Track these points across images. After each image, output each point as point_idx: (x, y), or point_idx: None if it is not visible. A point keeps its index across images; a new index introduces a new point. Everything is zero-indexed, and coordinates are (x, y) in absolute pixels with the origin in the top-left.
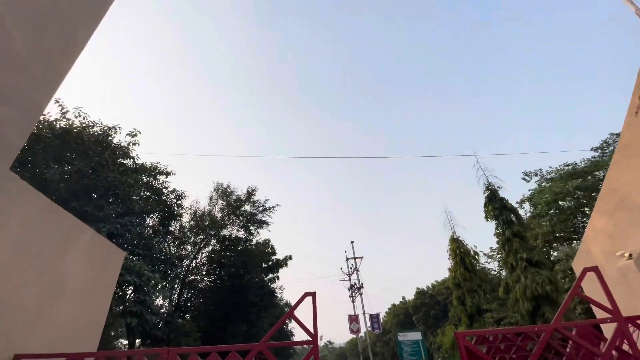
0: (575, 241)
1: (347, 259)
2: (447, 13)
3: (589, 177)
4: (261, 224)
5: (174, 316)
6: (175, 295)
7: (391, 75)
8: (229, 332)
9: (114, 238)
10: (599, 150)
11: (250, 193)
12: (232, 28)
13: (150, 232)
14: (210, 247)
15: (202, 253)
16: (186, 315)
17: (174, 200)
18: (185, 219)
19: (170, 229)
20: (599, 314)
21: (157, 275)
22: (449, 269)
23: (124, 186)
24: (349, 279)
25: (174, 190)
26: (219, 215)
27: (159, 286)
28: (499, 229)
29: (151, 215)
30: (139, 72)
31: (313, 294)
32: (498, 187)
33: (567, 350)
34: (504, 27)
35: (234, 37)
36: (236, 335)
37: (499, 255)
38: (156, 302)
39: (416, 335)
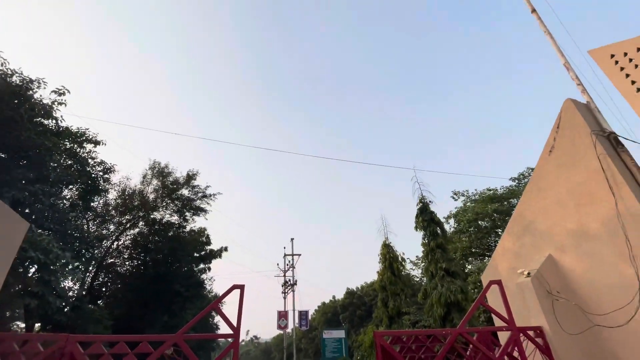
0: (486, 257)
1: (285, 255)
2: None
3: (505, 203)
4: (198, 210)
5: (84, 301)
6: (89, 279)
7: (354, 76)
8: (147, 322)
9: (20, 207)
10: (516, 181)
11: (190, 177)
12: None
13: (67, 205)
14: (137, 230)
15: (127, 235)
16: (99, 301)
17: (101, 173)
18: (112, 195)
19: (92, 204)
20: (498, 323)
21: (68, 254)
22: (378, 272)
23: (40, 149)
24: (284, 275)
25: (102, 162)
26: (152, 196)
27: (70, 267)
28: (426, 239)
29: (70, 186)
30: (79, 30)
31: (241, 287)
32: (430, 201)
33: (468, 353)
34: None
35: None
36: (154, 326)
37: (423, 264)
38: (64, 283)
39: (340, 334)
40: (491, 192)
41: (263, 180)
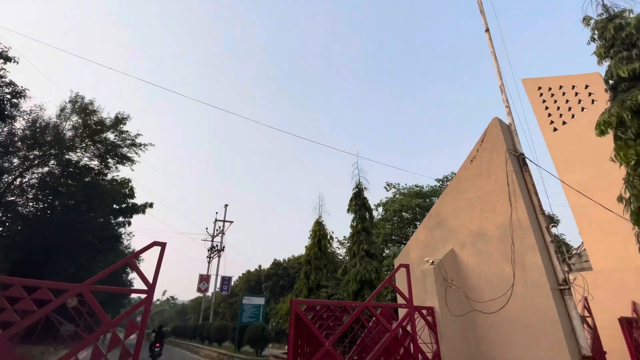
0: (403, 244)
1: (216, 220)
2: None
3: (428, 200)
4: (124, 159)
5: None
6: None
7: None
8: (49, 271)
9: None
10: (440, 182)
11: (119, 120)
12: None
13: None
14: (47, 169)
15: (34, 173)
16: None
17: (8, 96)
18: (19, 124)
19: None
20: (401, 302)
21: None
22: (306, 246)
23: None
24: (212, 240)
25: (12, 83)
26: (69, 134)
27: None
28: (354, 222)
29: None
30: None
31: (163, 244)
32: (365, 188)
33: (370, 324)
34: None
35: None
36: (57, 276)
37: (348, 244)
38: None
39: (259, 300)
40: (418, 188)
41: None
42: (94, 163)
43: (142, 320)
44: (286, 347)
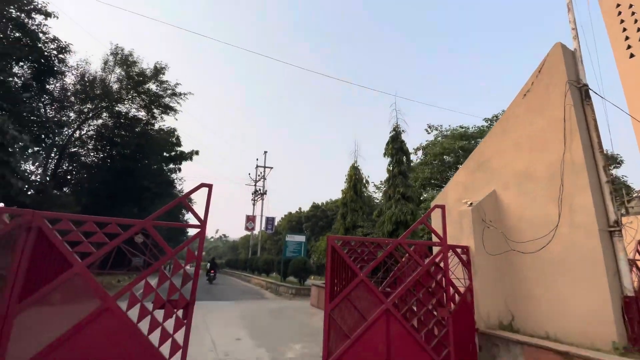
0: (442, 188)
1: (257, 166)
2: None
3: (473, 142)
4: (167, 109)
5: (48, 186)
6: (52, 165)
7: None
8: (116, 214)
9: None
10: (489, 122)
11: (158, 70)
12: None
13: (19, 84)
14: (101, 121)
15: (90, 125)
16: (64, 189)
17: (54, 52)
18: (69, 80)
19: (48, 87)
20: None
21: (26, 137)
22: (342, 190)
23: None
24: (255, 185)
25: (56, 39)
26: (115, 86)
27: (30, 151)
28: (391, 166)
29: (21, 63)
30: None
31: (210, 186)
32: (402, 131)
33: (403, 259)
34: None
35: None
36: (123, 217)
37: (384, 187)
38: (25, 167)
39: (301, 238)
40: (463, 129)
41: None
42: (142, 114)
43: (198, 250)
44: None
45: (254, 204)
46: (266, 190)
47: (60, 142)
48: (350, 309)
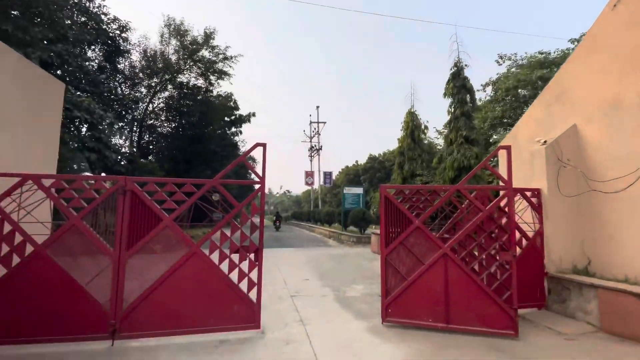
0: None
1: (311, 122)
2: None
3: (555, 69)
4: (221, 74)
5: (136, 156)
6: (135, 138)
7: None
8: (192, 176)
9: (49, 69)
10: (575, 43)
11: (208, 36)
12: None
13: (95, 67)
14: (167, 93)
15: (159, 98)
16: (149, 157)
17: (117, 32)
18: (135, 57)
19: (119, 66)
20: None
21: (110, 115)
22: (399, 139)
23: (49, 4)
24: (310, 141)
25: (116, 19)
26: (173, 58)
27: (115, 126)
28: (452, 107)
29: (92, 47)
30: None
31: (264, 145)
32: (465, 65)
33: (463, 206)
34: None
35: None
36: (199, 178)
37: (445, 131)
38: (114, 141)
39: (358, 190)
40: (542, 55)
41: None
42: (200, 82)
43: (260, 203)
44: None
45: (311, 160)
46: (321, 146)
47: (138, 117)
48: (406, 254)
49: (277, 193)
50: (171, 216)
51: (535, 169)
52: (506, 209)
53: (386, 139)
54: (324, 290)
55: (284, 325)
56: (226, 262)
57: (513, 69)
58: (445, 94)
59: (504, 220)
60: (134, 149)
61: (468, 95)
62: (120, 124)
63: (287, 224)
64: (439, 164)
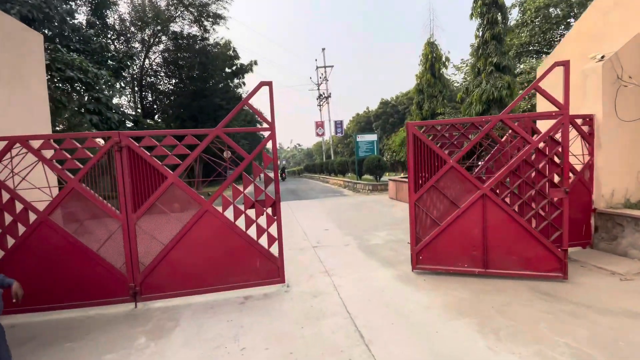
0: (545, 55)
1: (317, 67)
2: None
3: None
4: (216, 18)
5: (141, 117)
6: (138, 98)
7: None
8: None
9: (33, 26)
10: None
11: None
12: None
13: (84, 24)
14: (162, 46)
15: (155, 52)
16: (155, 117)
17: None
18: (123, 9)
19: (108, 21)
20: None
21: (105, 73)
22: (416, 75)
23: None
24: (318, 89)
25: None
26: (162, 3)
27: (114, 85)
28: (480, 30)
29: (76, 1)
30: None
31: (269, 83)
32: None
33: (503, 139)
34: None
35: None
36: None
37: (469, 62)
38: (116, 101)
39: (372, 137)
40: None
41: None
42: (194, 29)
43: (272, 152)
44: (402, 174)
45: (320, 109)
46: (330, 93)
47: (136, 75)
48: (438, 197)
49: (288, 147)
50: (176, 172)
51: (588, 92)
52: (559, 139)
53: (398, 83)
54: (346, 239)
55: (309, 277)
56: (245, 218)
57: None
58: (472, 15)
59: (551, 152)
60: (138, 110)
61: (499, 14)
62: (119, 84)
63: (301, 177)
64: (463, 99)
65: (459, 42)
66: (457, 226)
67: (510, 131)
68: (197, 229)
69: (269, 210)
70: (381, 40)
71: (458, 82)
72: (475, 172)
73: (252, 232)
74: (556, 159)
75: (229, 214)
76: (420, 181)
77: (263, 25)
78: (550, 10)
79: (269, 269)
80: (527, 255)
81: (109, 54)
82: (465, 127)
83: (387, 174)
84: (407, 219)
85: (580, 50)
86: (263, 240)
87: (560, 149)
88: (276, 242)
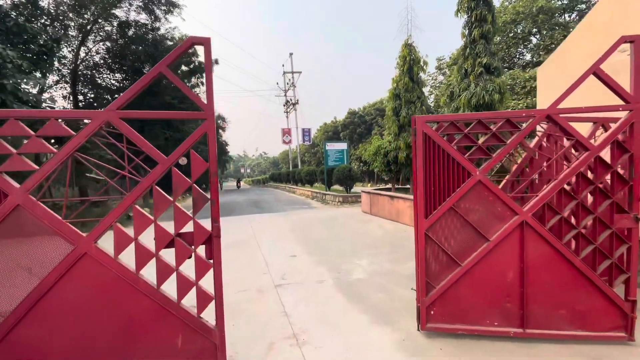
0: (507, 70)
1: (284, 73)
2: None
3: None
4: (170, 6)
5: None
6: (67, 92)
7: None
8: (150, 136)
9: None
10: None
11: None
12: None
13: (8, 4)
14: (104, 34)
15: (95, 42)
16: None
17: None
18: None
19: (41, 4)
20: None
21: (13, 54)
22: (393, 78)
23: None
24: (285, 95)
25: None
26: None
27: (31, 73)
28: (467, 27)
29: None
30: None
31: (205, 41)
32: None
33: (533, 144)
34: None
35: None
36: (158, 139)
37: (454, 63)
38: (32, 91)
39: (342, 146)
40: None
41: None
42: (142, 17)
43: (209, 151)
44: (369, 185)
45: (287, 116)
46: (297, 100)
47: (69, 64)
48: (457, 225)
49: (253, 155)
50: (24, 186)
51: None
52: (624, 143)
53: (365, 94)
54: (318, 271)
55: (267, 348)
56: (157, 265)
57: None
58: (458, 10)
59: (618, 163)
60: (70, 106)
61: (487, 11)
62: (40, 72)
63: (266, 186)
64: (448, 103)
65: (436, 47)
66: (484, 267)
67: (540, 134)
68: (65, 285)
69: (201, 250)
70: (352, 49)
71: (439, 85)
72: (516, 190)
73: (170, 286)
74: (620, 171)
75: (129, 257)
76: (432, 195)
77: (226, 24)
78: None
79: (200, 348)
80: (580, 309)
81: (27, 36)
82: (499, 125)
83: (360, 184)
84: (388, 239)
85: (592, 46)
86: (190, 299)
87: (628, 158)
88: (213, 302)
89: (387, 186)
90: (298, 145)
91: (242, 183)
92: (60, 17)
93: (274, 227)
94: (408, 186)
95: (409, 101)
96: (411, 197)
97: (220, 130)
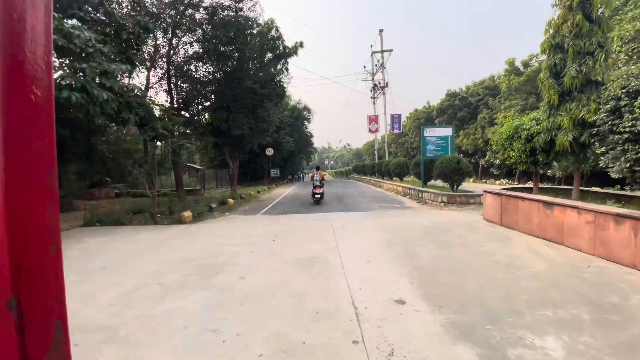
0: None
1: (373, 53)
2: None
3: None
4: None
5: (169, 108)
6: (164, 85)
7: None
8: (234, 125)
9: None
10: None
11: None
12: None
13: None
14: (194, 22)
15: (187, 33)
16: (190, 109)
17: None
18: None
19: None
20: None
21: (94, 35)
22: (550, 21)
23: None
24: (372, 79)
25: None
26: None
27: (115, 59)
28: None
29: None
30: None
31: None
32: None
33: None
34: None
35: None
36: (242, 127)
37: None
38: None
39: (446, 131)
40: None
41: None
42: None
43: None
44: (470, 180)
45: (374, 102)
46: (387, 82)
47: (162, 55)
48: None
49: (337, 147)
50: None
51: None
52: None
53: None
54: (457, 354)
55: None
56: None
57: None
58: None
59: None
60: (167, 100)
61: None
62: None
63: (349, 178)
64: None
65: None
66: None
67: None
68: None
69: None
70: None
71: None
72: None
73: None
74: None
75: None
76: None
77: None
78: None
79: None
80: None
81: (117, 24)
82: None
83: (472, 180)
84: (571, 285)
85: None
86: None
87: None
88: None
89: (513, 184)
90: (386, 134)
91: (323, 175)
92: (159, 12)
93: (362, 234)
94: (561, 186)
95: (583, 52)
96: (596, 206)
97: (305, 122)
